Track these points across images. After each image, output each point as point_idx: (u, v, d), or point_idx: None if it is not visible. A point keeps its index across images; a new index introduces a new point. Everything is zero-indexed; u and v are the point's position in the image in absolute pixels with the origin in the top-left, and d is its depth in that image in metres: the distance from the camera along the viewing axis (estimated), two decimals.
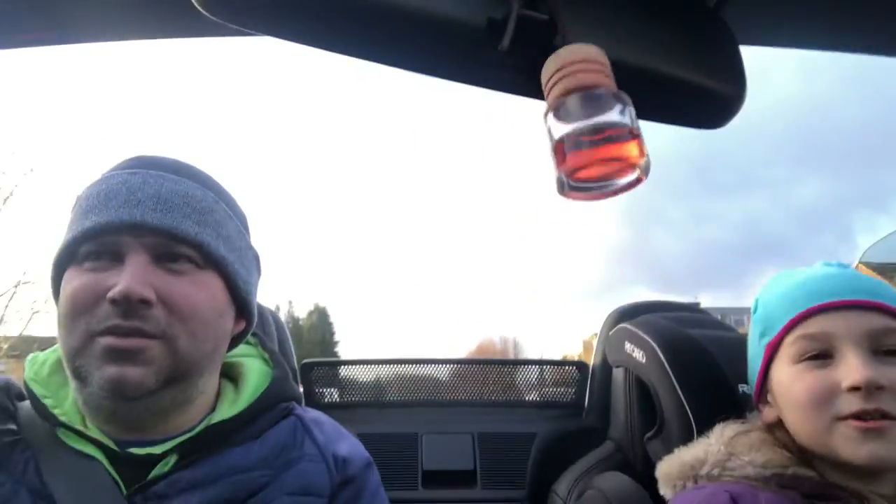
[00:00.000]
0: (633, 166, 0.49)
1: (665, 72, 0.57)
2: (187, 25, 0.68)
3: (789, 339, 0.73)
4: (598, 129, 0.48)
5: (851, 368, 0.66)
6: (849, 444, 0.66)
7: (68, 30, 0.69)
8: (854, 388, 0.65)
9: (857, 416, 0.65)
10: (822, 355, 0.70)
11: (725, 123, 0.63)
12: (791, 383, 0.72)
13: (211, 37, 0.69)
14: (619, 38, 0.57)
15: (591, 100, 0.49)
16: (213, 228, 0.68)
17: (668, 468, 0.78)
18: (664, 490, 0.78)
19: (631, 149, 0.48)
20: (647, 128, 0.61)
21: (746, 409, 0.87)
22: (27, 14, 0.67)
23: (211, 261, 0.68)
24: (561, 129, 0.50)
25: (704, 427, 0.82)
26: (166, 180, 0.67)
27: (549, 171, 0.51)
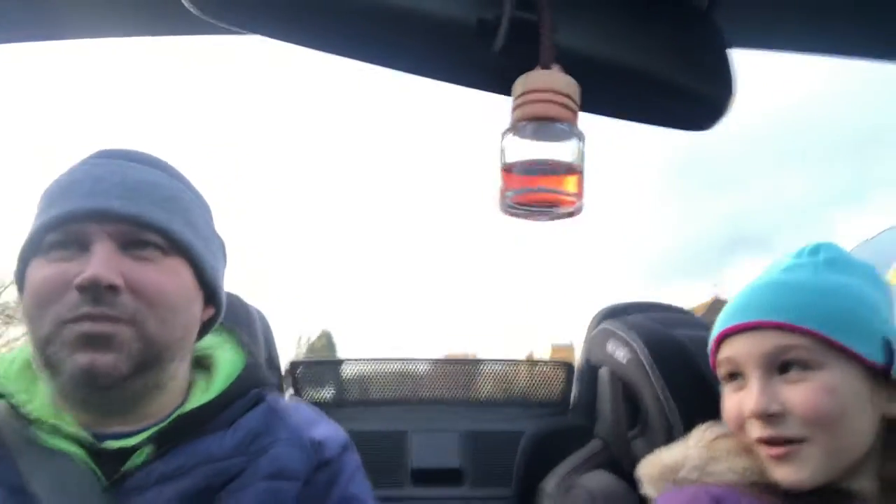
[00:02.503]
0: (569, 200, 0.52)
1: (655, 73, 0.58)
2: (176, 23, 0.68)
3: (717, 360, 0.76)
4: (545, 161, 0.51)
5: (750, 396, 0.69)
6: (768, 466, 0.69)
7: (56, 26, 0.68)
8: (752, 416, 0.68)
9: (761, 441, 0.68)
10: (739, 376, 0.72)
11: (712, 126, 0.63)
12: (723, 404, 0.75)
13: (199, 35, 0.68)
14: (610, 40, 0.57)
15: (547, 131, 0.51)
16: (179, 215, 0.69)
17: (649, 469, 0.79)
18: (647, 489, 0.79)
19: (570, 184, 0.51)
20: (634, 125, 0.62)
21: None
22: (15, 9, 0.66)
23: (178, 247, 0.68)
24: (513, 152, 0.52)
25: (686, 427, 0.83)
26: (131, 169, 0.68)
27: (493, 187, 0.54)
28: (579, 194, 0.52)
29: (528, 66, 0.53)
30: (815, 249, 0.73)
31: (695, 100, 0.60)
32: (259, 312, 1.17)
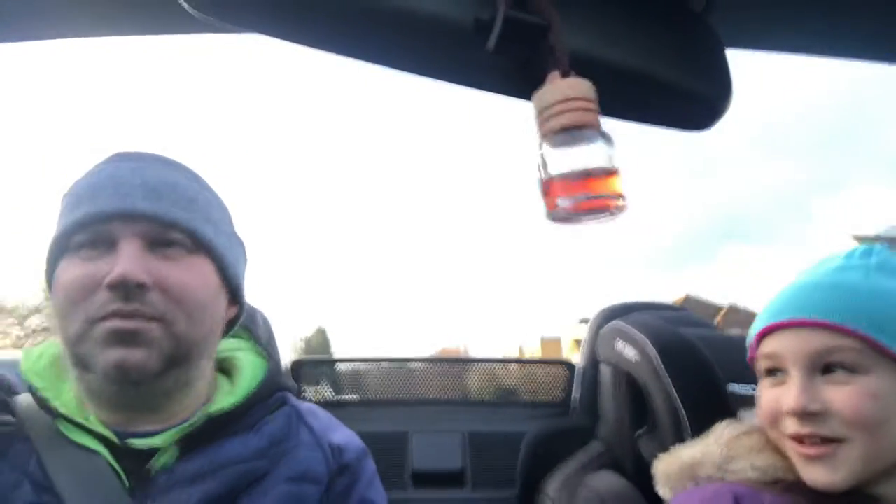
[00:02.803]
0: (614, 200, 0.52)
1: (651, 74, 0.58)
2: (174, 22, 0.68)
3: (758, 354, 0.74)
4: (585, 167, 0.51)
5: (790, 393, 0.68)
6: (799, 466, 0.68)
7: (53, 25, 0.69)
8: (791, 413, 0.67)
9: (796, 438, 0.67)
10: (779, 372, 0.71)
11: (710, 127, 0.63)
12: (759, 398, 0.74)
13: (198, 34, 0.69)
14: (606, 41, 0.57)
15: (579, 138, 0.51)
16: (201, 214, 0.70)
17: (666, 467, 0.78)
18: (662, 489, 0.78)
19: (613, 184, 0.52)
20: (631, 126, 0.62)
21: (737, 407, 0.87)
22: (12, 8, 0.66)
23: (202, 246, 0.69)
24: (551, 165, 0.52)
25: (696, 425, 0.82)
26: (151, 170, 0.69)
27: (537, 202, 0.54)
28: (621, 194, 0.52)
29: (523, 66, 0.53)
30: (868, 252, 0.72)
31: (692, 100, 0.60)
32: (263, 316, 1.17)
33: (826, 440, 0.65)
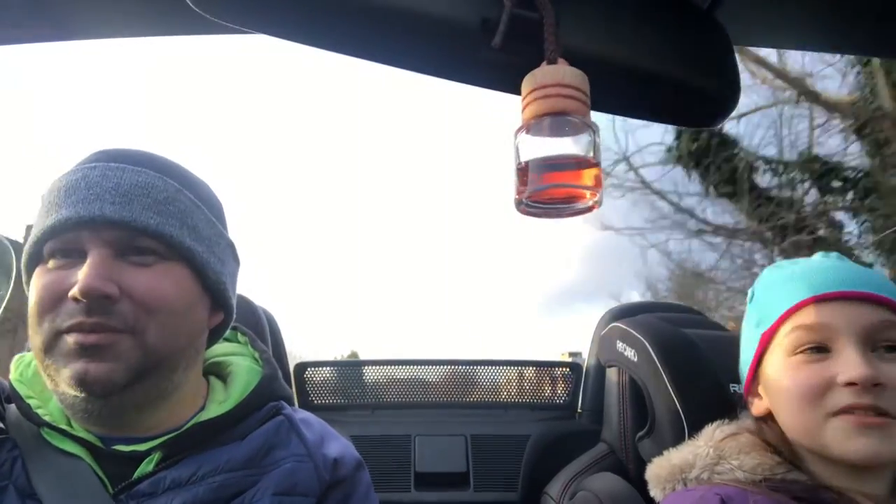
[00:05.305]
0: (588, 194, 0.51)
1: (659, 71, 0.58)
2: (180, 23, 0.68)
3: (785, 328, 0.71)
4: (562, 156, 0.50)
5: (849, 363, 0.64)
6: (841, 440, 0.64)
7: (61, 26, 0.69)
8: (850, 384, 0.64)
9: (850, 410, 0.64)
10: (818, 348, 0.68)
11: (719, 123, 0.63)
12: (784, 376, 0.70)
13: (203, 34, 0.69)
14: (612, 38, 0.57)
15: (559, 126, 0.50)
16: (176, 218, 0.67)
17: (657, 470, 0.78)
18: (654, 491, 0.78)
19: (588, 178, 0.50)
20: (639, 123, 0.62)
21: (738, 408, 0.87)
22: (20, 10, 0.67)
23: (176, 251, 0.66)
24: (527, 150, 0.51)
25: (696, 426, 0.81)
26: (126, 172, 0.66)
27: (510, 186, 0.53)
28: (597, 187, 0.50)
29: (528, 63, 0.53)
30: None
31: (699, 96, 0.60)
32: (266, 311, 1.17)
33: (881, 413, 0.63)
